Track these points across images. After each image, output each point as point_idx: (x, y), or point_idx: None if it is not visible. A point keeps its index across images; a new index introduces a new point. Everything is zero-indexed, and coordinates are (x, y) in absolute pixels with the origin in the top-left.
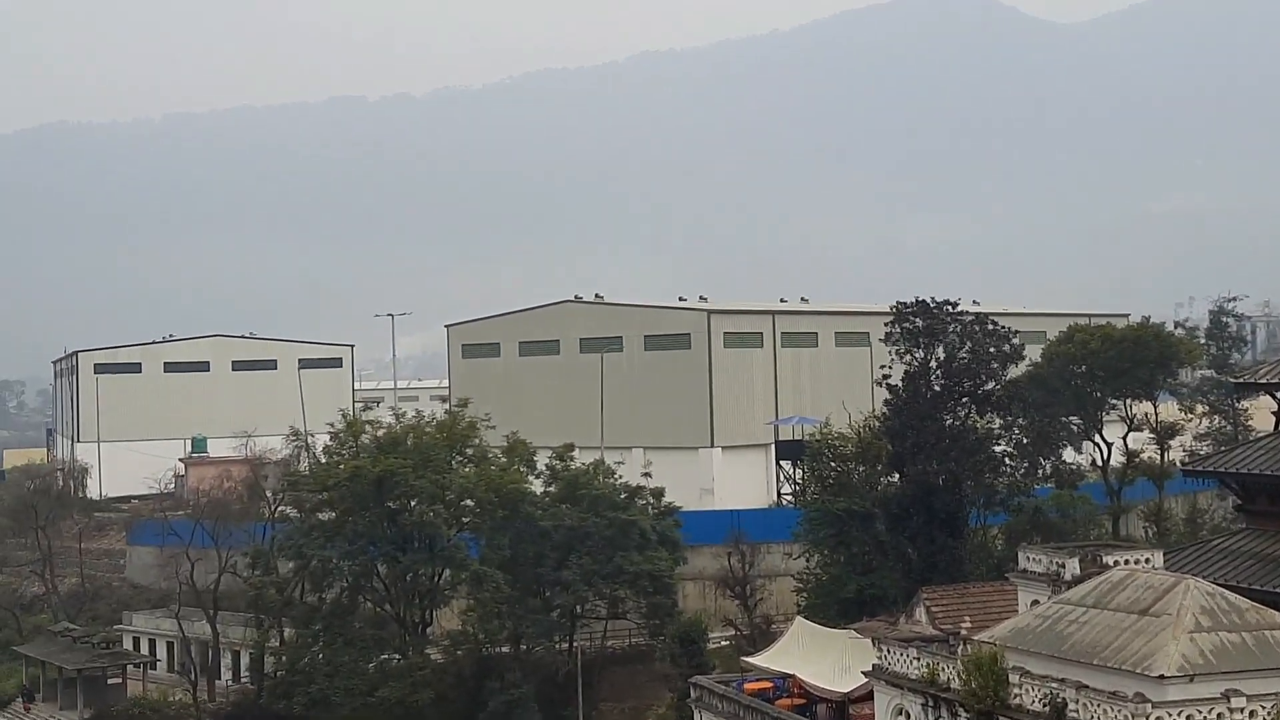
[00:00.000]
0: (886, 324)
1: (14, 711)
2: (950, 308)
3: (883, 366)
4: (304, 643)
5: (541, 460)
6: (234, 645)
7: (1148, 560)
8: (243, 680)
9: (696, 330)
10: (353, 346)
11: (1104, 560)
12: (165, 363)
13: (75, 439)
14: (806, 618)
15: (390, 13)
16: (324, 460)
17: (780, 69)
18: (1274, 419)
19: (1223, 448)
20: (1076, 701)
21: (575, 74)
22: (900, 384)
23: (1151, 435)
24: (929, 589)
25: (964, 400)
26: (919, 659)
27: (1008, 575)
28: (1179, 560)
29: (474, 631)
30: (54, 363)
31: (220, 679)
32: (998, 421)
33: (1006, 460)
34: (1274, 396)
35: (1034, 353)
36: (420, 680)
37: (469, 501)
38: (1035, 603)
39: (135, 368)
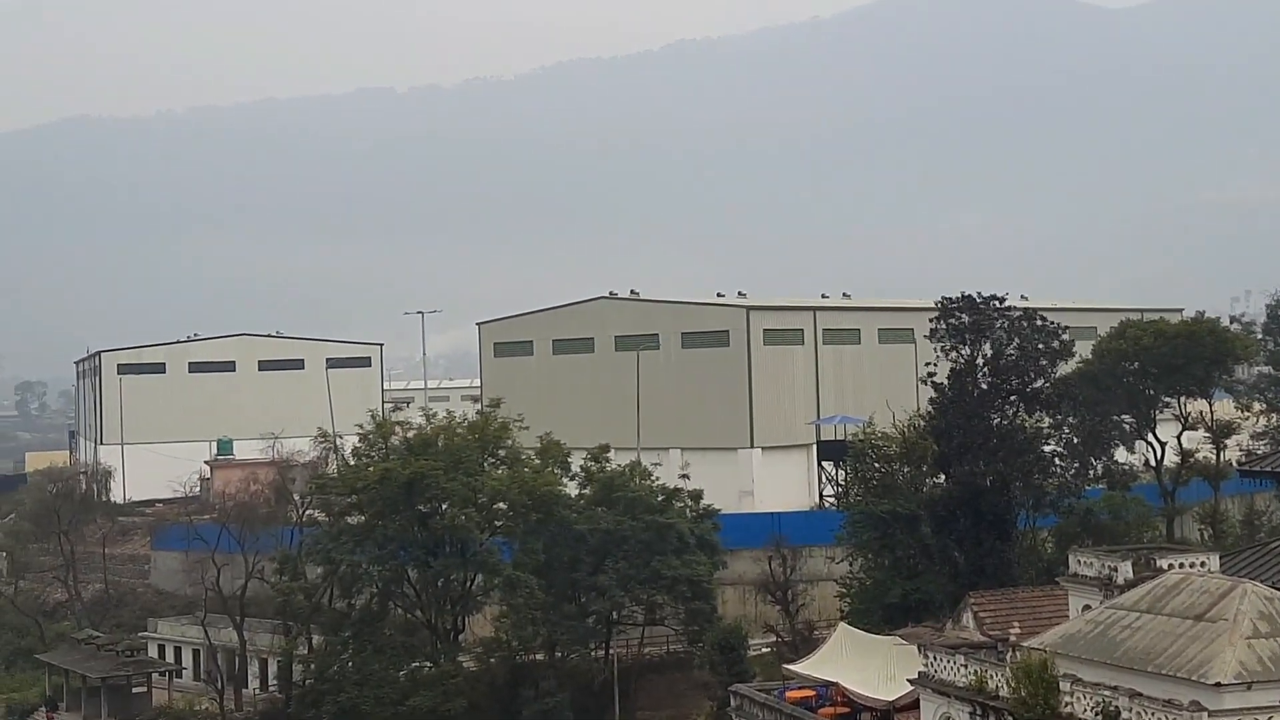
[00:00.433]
0: (932, 320)
1: None
2: (997, 303)
3: (928, 364)
4: (333, 650)
5: (576, 462)
6: (261, 653)
7: (1203, 564)
8: (270, 689)
9: (735, 327)
10: (382, 345)
11: (1158, 564)
12: (190, 363)
13: (98, 441)
14: (850, 624)
15: (419, 1)
16: (353, 462)
17: (820, 58)
18: None
19: None
20: (1130, 710)
21: (609, 64)
22: (946, 382)
23: (1207, 434)
24: (976, 594)
25: (1012, 398)
26: (966, 666)
27: (1058, 579)
28: (1236, 564)
29: (507, 638)
30: (76, 363)
31: (247, 687)
32: (1047, 420)
33: (1056, 460)
34: None
35: (1084, 349)
36: (452, 689)
37: (502, 504)
38: (1086, 608)
39: (159, 368)
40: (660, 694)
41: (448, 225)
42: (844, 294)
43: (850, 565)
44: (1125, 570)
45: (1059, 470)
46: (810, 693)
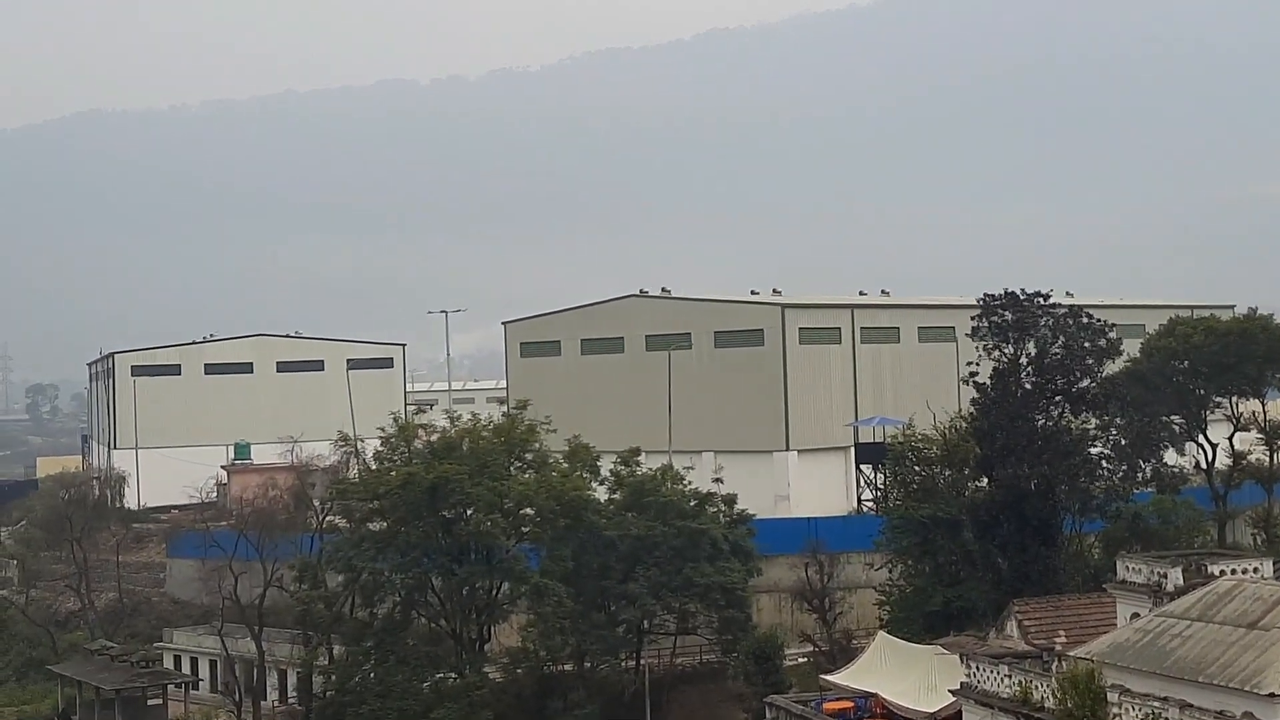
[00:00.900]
0: (973, 318)
1: None
2: (1041, 300)
3: (970, 363)
4: (354, 661)
5: (606, 465)
6: (280, 664)
7: (1256, 570)
8: (290, 701)
9: (770, 325)
10: (404, 345)
11: (1209, 570)
12: (206, 364)
13: (112, 445)
14: (889, 632)
15: None
16: (374, 467)
17: (857, 46)
18: None
19: None
20: None
21: (639, 54)
22: (989, 382)
23: (1260, 435)
24: (1021, 602)
25: (1057, 399)
26: (1010, 677)
27: (1105, 586)
28: None
29: (535, 648)
30: (89, 365)
31: (266, 699)
32: (1093, 421)
33: (1103, 463)
34: None
35: (1132, 347)
36: (478, 700)
37: (529, 510)
38: (1135, 616)
39: (174, 370)
40: (693, 705)
41: (473, 221)
42: (882, 291)
43: (890, 572)
44: (1175, 577)
45: (1106, 473)
46: (848, 704)
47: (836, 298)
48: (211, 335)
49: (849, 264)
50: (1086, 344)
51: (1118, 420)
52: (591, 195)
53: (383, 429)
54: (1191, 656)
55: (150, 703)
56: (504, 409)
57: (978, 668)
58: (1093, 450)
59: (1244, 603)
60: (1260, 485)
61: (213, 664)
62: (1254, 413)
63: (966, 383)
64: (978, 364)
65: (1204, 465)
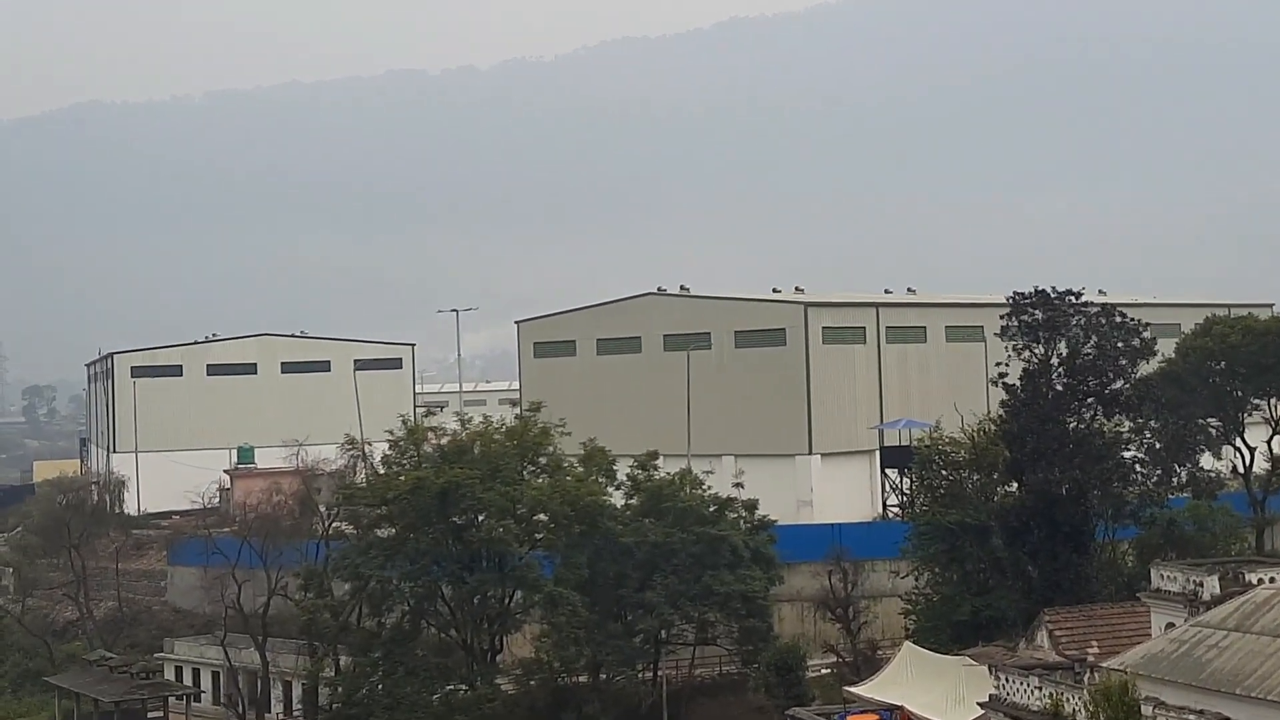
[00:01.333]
0: (1002, 316)
1: None
2: (1073, 298)
3: (999, 364)
4: (362, 672)
5: (622, 470)
6: (285, 675)
7: None
8: (295, 713)
9: (792, 325)
10: (414, 345)
11: (1247, 578)
12: (208, 365)
13: (111, 449)
14: (916, 643)
15: None
16: (382, 471)
17: (884, 34)
18: None
19: None
20: None
21: (657, 43)
22: (1018, 383)
23: None
24: (1052, 611)
25: (1089, 401)
26: (1041, 689)
27: (1139, 595)
28: None
29: (548, 659)
30: (87, 365)
31: (270, 712)
32: (1127, 424)
33: (1137, 467)
34: None
35: (1167, 347)
36: (490, 713)
37: (542, 516)
38: (1170, 626)
39: (176, 370)
40: (712, 718)
41: (484, 216)
42: (908, 289)
43: (916, 580)
44: (1211, 585)
45: (1140, 478)
46: (873, 717)
47: (861, 296)
48: (214, 335)
49: (873, 259)
50: (1120, 344)
51: (1152, 423)
52: (607, 189)
53: (391, 432)
54: (1228, 668)
55: (150, 715)
56: (517, 411)
57: (1007, 679)
58: (1126, 454)
59: None
60: None
61: (215, 675)
62: None
63: (995, 384)
64: (1007, 364)
65: (1241, 469)
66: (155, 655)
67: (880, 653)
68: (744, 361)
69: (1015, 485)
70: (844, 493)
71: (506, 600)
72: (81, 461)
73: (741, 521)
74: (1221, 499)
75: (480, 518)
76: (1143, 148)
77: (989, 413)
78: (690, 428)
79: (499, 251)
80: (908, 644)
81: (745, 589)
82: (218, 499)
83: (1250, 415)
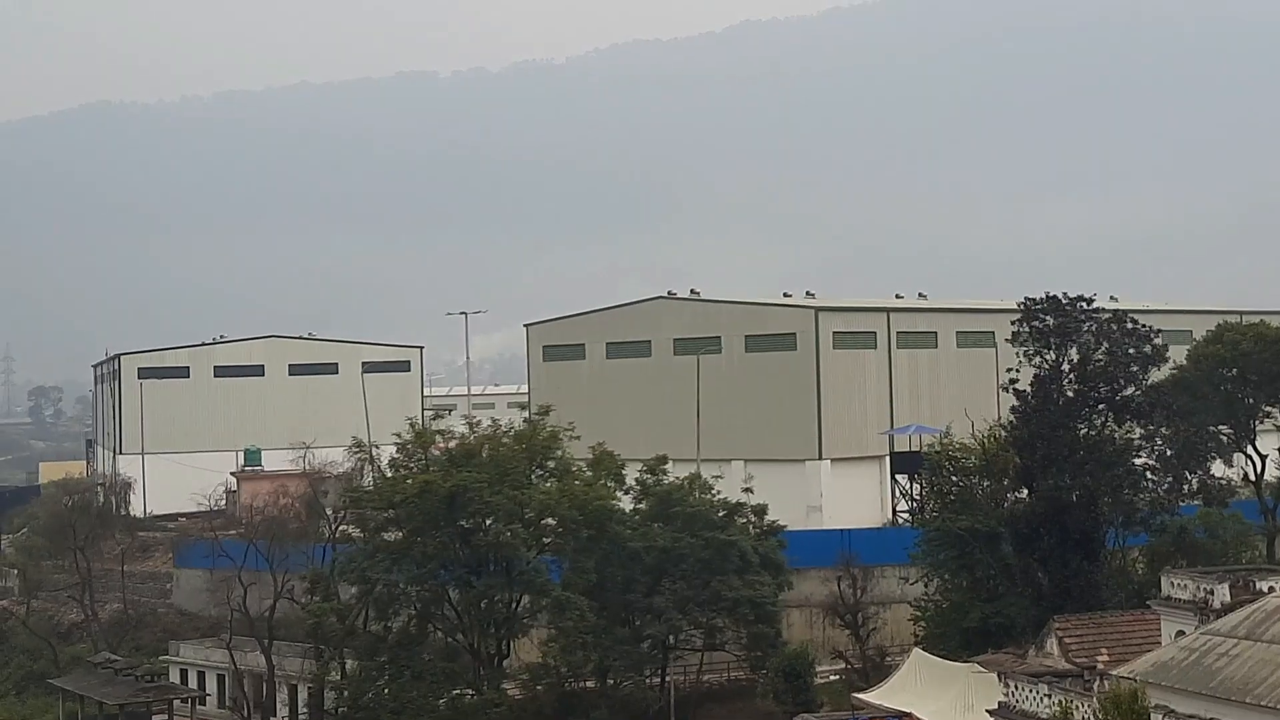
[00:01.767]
0: (1014, 322)
1: None
2: (1085, 304)
3: (1009, 370)
4: (368, 676)
5: (631, 474)
6: (291, 678)
7: None
8: (300, 717)
9: (803, 329)
10: (422, 348)
11: (1258, 586)
12: (215, 366)
13: (117, 450)
14: (925, 649)
15: None
16: (390, 474)
17: (895, 40)
18: None
19: None
20: None
21: (669, 46)
22: (1029, 389)
23: None
24: (1061, 618)
25: (1100, 407)
26: (1050, 696)
27: (1149, 603)
28: None
29: (556, 664)
30: (94, 367)
31: (275, 715)
32: (1138, 431)
33: (1148, 474)
34: None
35: (1179, 354)
36: (496, 718)
37: (550, 520)
38: (1180, 634)
39: (183, 372)
40: None
41: (494, 219)
42: (920, 294)
43: (925, 586)
44: (1222, 593)
45: (1151, 485)
46: None
47: (872, 300)
48: (221, 336)
49: (884, 264)
50: (1131, 350)
51: (1163, 430)
52: (618, 193)
53: (399, 435)
54: (1239, 676)
55: (155, 718)
56: (525, 414)
57: (1016, 687)
58: (1137, 461)
59: None
60: None
61: (220, 678)
62: None
63: (1006, 390)
64: (1018, 370)
65: (1253, 477)
66: (160, 658)
67: (889, 659)
68: (754, 366)
69: (1025, 492)
70: (854, 498)
71: (514, 605)
72: (87, 463)
73: (750, 527)
74: (1232, 507)
75: (488, 521)
76: (1155, 153)
77: (999, 419)
78: (700, 432)
79: (509, 254)
80: (917, 650)
81: (754, 594)
82: (224, 501)
83: (1262, 423)
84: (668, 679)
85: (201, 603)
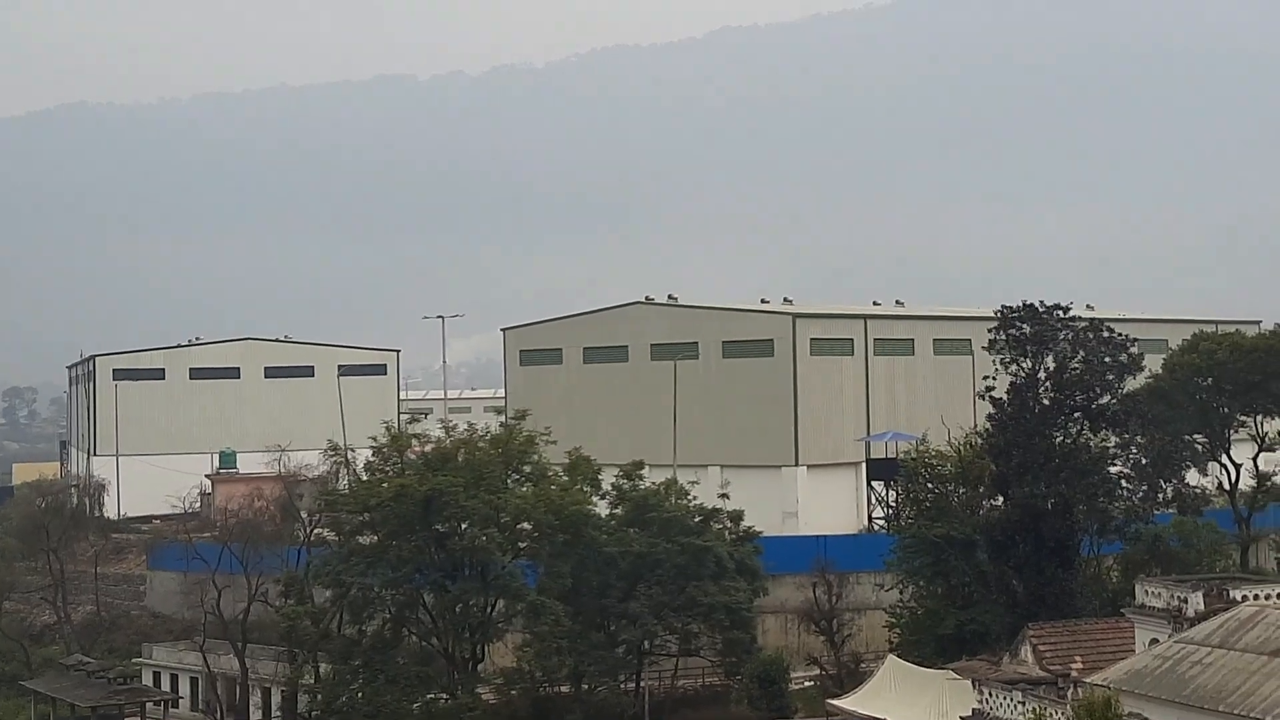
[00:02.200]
0: (990, 330)
1: None
2: (1061, 313)
3: (986, 377)
4: (342, 680)
5: (607, 479)
6: (264, 682)
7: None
8: None
9: (780, 335)
10: (398, 352)
11: (1231, 595)
12: (191, 369)
13: (91, 452)
14: (900, 656)
15: None
16: (365, 478)
17: (875, 47)
18: None
19: None
20: None
21: (649, 51)
22: (1005, 397)
23: None
24: (1036, 626)
25: (1076, 415)
26: (1024, 703)
27: (1124, 611)
28: None
29: (530, 669)
30: (68, 368)
31: (248, 718)
32: (1113, 439)
33: (1123, 482)
34: None
35: (1154, 363)
36: None
37: (526, 525)
38: (1154, 642)
39: (158, 374)
40: None
41: (471, 223)
42: (897, 301)
43: (900, 593)
44: (1196, 602)
45: (1126, 493)
46: None
47: (849, 307)
48: (197, 338)
49: (862, 271)
50: (1107, 359)
51: (1138, 438)
52: (596, 197)
53: (375, 438)
54: (1212, 685)
55: None
56: (502, 419)
57: (990, 694)
58: (1112, 469)
59: (1266, 629)
60: None
61: (194, 681)
62: (1279, 432)
63: (982, 397)
64: (994, 378)
65: (1227, 486)
66: (133, 660)
67: (864, 666)
68: (731, 372)
69: (1001, 499)
70: (829, 505)
71: (489, 609)
72: (61, 464)
73: (726, 532)
74: (1207, 515)
75: (463, 526)
76: (1132, 163)
77: (975, 426)
78: (676, 438)
79: (487, 259)
80: (891, 657)
81: (729, 600)
82: (199, 503)
83: (1236, 432)
84: (643, 684)
85: (175, 605)
